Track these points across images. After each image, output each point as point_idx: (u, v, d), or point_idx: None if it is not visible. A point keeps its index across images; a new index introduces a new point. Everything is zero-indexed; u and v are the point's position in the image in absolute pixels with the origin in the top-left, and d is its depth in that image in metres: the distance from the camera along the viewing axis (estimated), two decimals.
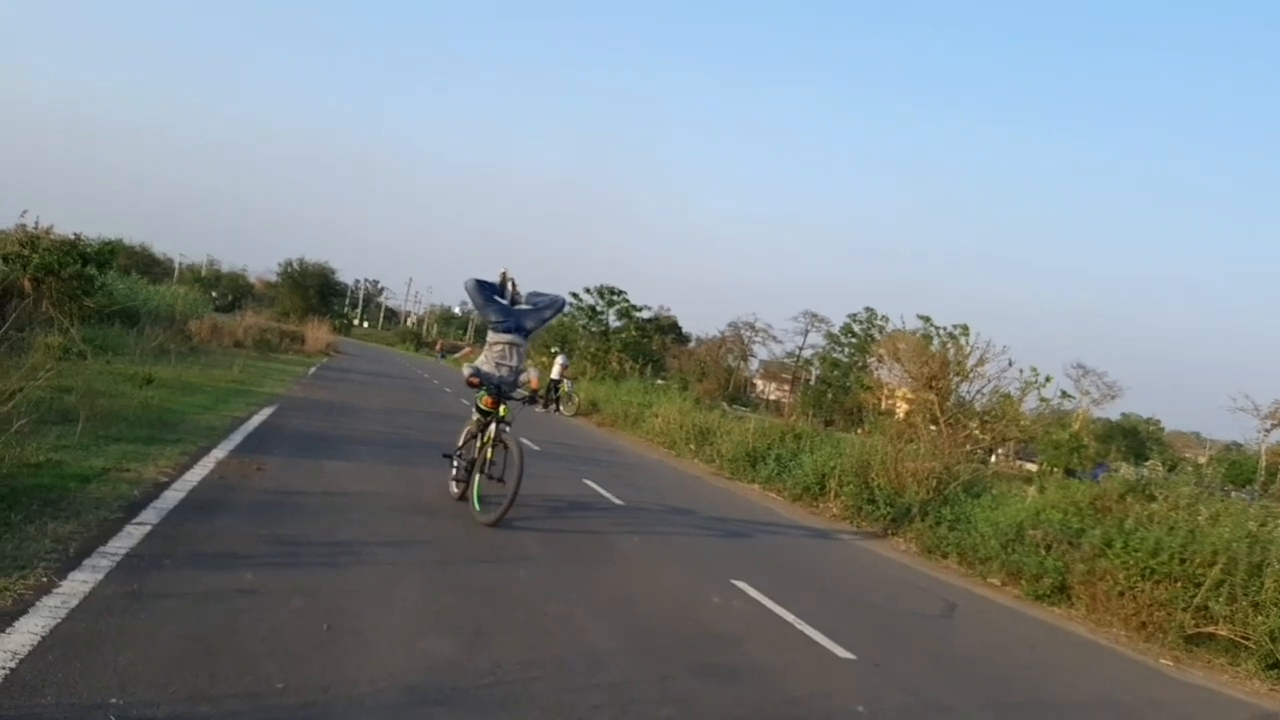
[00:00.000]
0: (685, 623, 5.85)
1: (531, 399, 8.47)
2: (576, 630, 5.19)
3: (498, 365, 8.21)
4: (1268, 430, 47.76)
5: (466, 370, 8.12)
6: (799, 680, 5.08)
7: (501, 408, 8.02)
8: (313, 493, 7.77)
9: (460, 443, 8.67)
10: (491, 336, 8.38)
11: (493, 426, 8.03)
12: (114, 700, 3.24)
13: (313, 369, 27.10)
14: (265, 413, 12.85)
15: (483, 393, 8.06)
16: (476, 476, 7.96)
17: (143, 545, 5.23)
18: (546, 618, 5.32)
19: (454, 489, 8.56)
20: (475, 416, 8.39)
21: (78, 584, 4.33)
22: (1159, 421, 65.23)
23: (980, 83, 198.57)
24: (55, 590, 4.20)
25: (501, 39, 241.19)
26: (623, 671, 4.63)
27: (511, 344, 8.23)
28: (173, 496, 6.57)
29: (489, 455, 7.92)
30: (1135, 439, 59.18)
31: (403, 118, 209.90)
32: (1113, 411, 57.68)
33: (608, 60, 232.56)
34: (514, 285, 8.55)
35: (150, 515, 5.93)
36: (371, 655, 4.19)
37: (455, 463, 8.60)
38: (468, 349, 76.94)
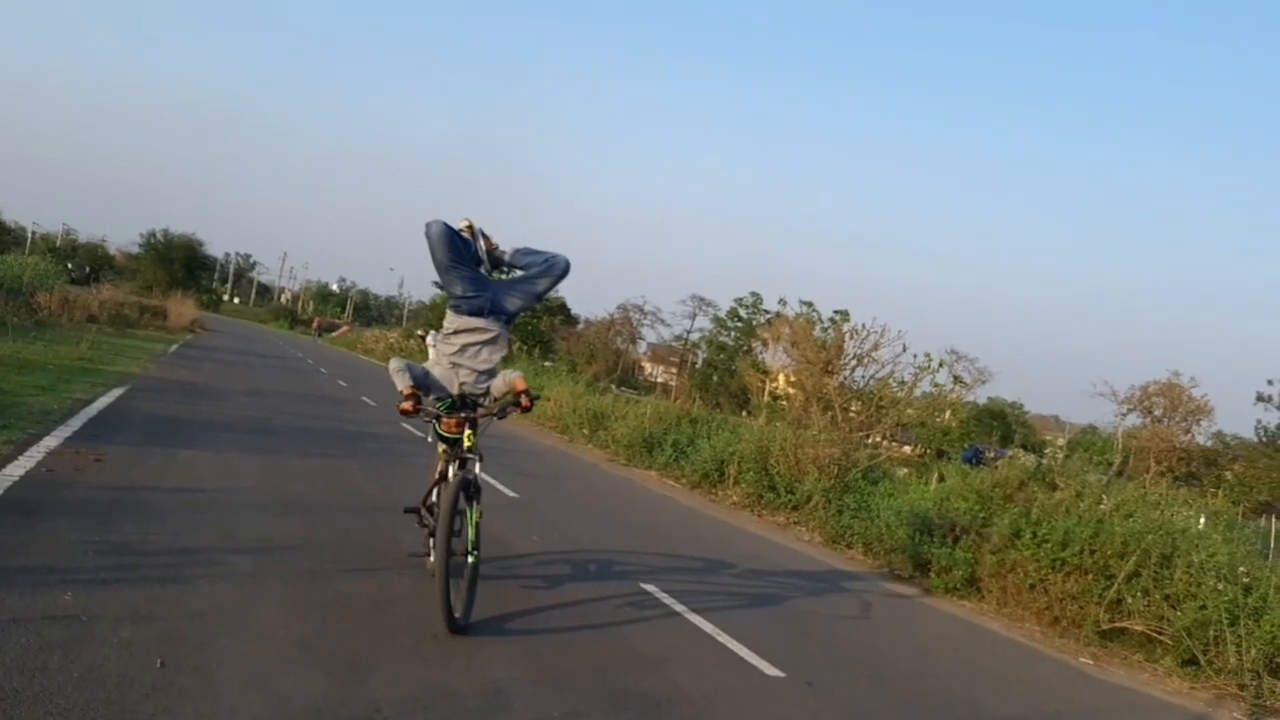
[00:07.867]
0: (597, 640, 5.15)
1: (510, 409, 5.36)
2: (471, 656, 4.43)
3: (454, 366, 5.29)
4: (1124, 415, 50.61)
5: (399, 378, 5.06)
6: (730, 708, 4.45)
7: (466, 433, 5.23)
8: (161, 489, 6.75)
9: (431, 491, 5.77)
10: (451, 320, 5.38)
11: (450, 465, 5.29)
12: None
13: (174, 346, 25.34)
14: (113, 394, 11.54)
15: (441, 409, 5.30)
16: (471, 556, 4.97)
17: None
18: (436, 641, 4.54)
19: (433, 558, 5.19)
20: (440, 447, 5.51)
21: None
22: (1023, 405, 68.05)
23: (862, 67, 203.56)
24: None
25: (386, 8, 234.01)
26: (528, 708, 3.90)
27: (481, 332, 5.30)
28: None
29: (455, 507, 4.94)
30: (1002, 422, 61.58)
31: (278, 84, 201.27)
32: (980, 396, 59.95)
33: (494, 34, 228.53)
34: (488, 240, 5.58)
35: None
36: (216, 702, 3.36)
37: (424, 520, 5.77)
38: (345, 328, 74.19)
